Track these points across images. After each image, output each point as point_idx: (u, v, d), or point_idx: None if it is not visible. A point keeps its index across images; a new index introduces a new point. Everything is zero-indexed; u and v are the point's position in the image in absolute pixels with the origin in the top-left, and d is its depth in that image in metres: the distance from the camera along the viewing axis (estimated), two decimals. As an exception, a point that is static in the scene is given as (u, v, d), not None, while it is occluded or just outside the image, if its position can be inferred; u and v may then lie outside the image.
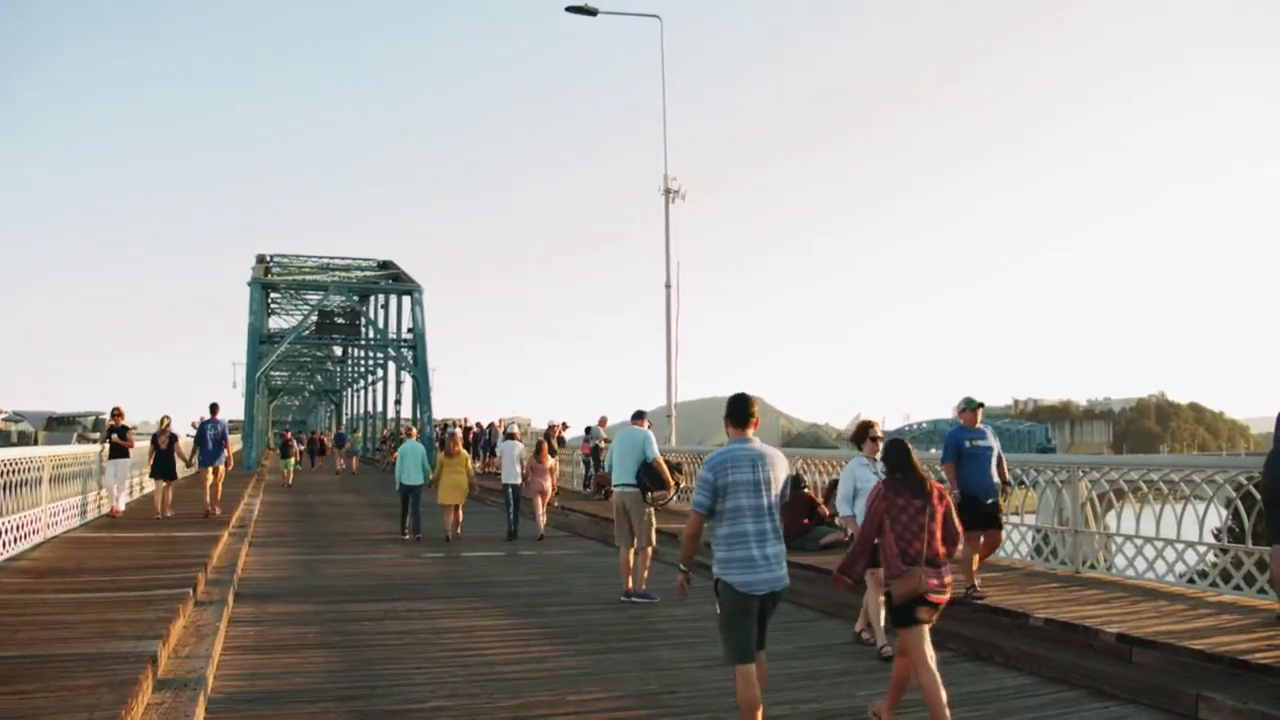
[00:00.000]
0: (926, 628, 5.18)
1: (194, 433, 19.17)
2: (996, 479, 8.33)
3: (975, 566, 8.26)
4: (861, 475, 7.29)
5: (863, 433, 7.57)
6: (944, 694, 5.01)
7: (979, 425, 8.46)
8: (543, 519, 15.46)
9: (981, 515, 8.16)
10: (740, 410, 5.04)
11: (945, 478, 8.35)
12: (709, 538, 5.02)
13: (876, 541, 5.30)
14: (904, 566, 5.12)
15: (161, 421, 15.77)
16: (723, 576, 4.81)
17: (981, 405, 8.59)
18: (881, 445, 6.18)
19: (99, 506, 14.81)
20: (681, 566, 5.16)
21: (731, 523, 4.83)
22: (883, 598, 5.89)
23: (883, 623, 6.97)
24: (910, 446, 5.46)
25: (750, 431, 5.03)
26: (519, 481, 15.39)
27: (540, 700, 5.99)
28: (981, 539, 8.24)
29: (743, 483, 4.84)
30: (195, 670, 6.16)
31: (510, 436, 16.46)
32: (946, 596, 5.20)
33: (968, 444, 8.32)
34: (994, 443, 8.45)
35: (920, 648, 5.11)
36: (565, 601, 9.69)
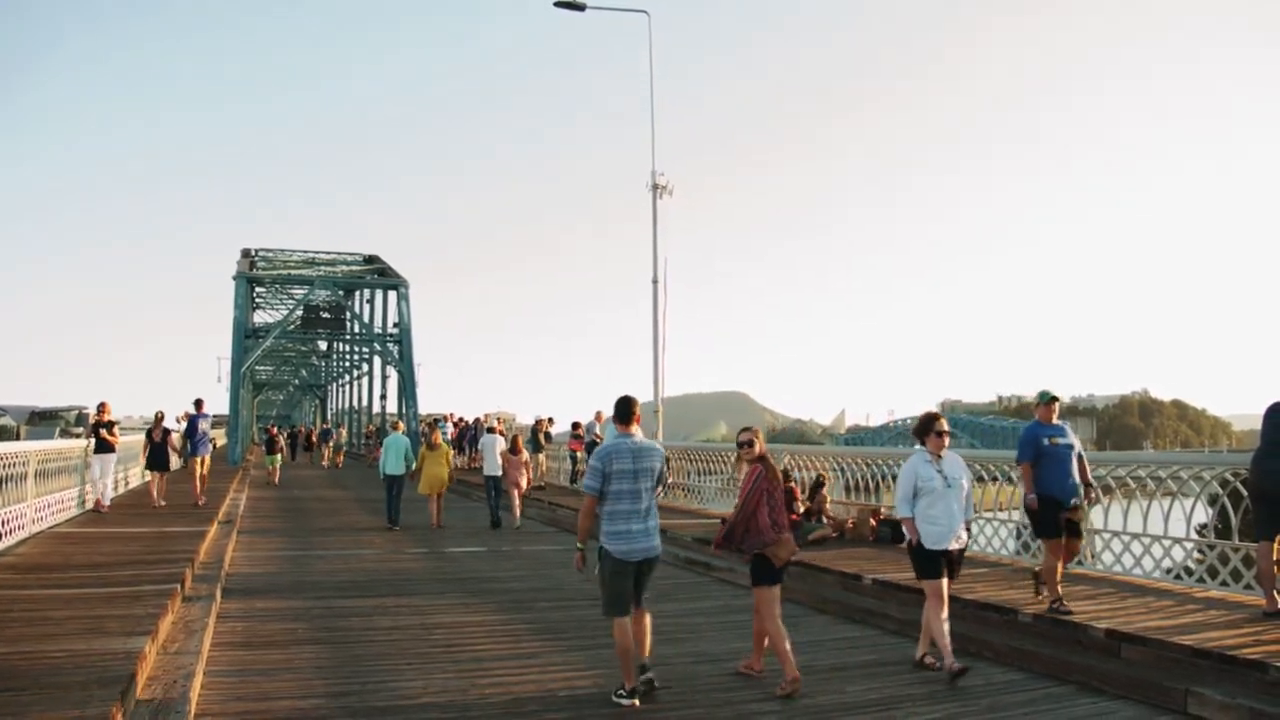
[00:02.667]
0: (779, 586, 6.30)
1: (181, 426, 20.69)
2: (1078, 479, 7.72)
3: (1060, 577, 7.59)
4: (924, 473, 6.53)
5: (927, 425, 6.69)
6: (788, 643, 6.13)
7: (1056, 421, 7.84)
8: (518, 509, 16.04)
9: (1061, 521, 7.64)
10: (623, 410, 6.02)
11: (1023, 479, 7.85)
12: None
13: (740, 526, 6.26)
14: (776, 535, 6.15)
15: (156, 416, 17.16)
16: (605, 545, 5.86)
17: (1057, 399, 7.95)
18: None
19: (84, 502, 14.77)
20: (578, 545, 6.09)
21: (614, 503, 5.84)
22: (748, 564, 6.39)
23: (948, 639, 6.44)
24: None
25: (633, 428, 6.01)
26: (500, 474, 15.94)
27: (531, 696, 6.00)
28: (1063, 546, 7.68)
29: (624, 471, 5.83)
30: (184, 667, 6.12)
31: (491, 431, 17.27)
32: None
33: (1047, 441, 7.66)
34: (1074, 440, 7.86)
35: (776, 604, 6.23)
36: (555, 597, 9.68)
